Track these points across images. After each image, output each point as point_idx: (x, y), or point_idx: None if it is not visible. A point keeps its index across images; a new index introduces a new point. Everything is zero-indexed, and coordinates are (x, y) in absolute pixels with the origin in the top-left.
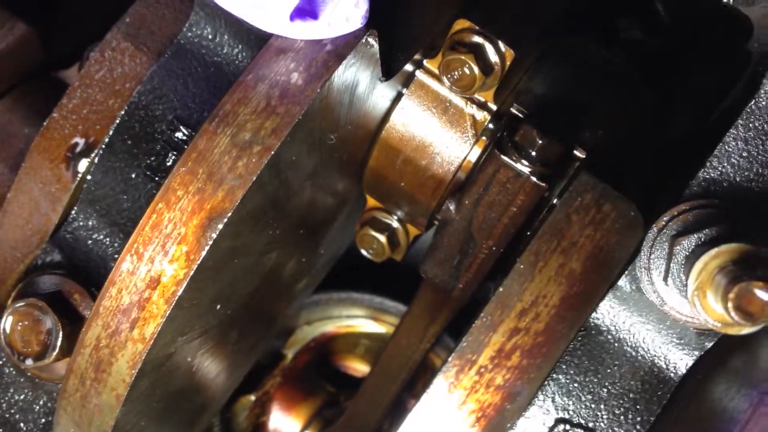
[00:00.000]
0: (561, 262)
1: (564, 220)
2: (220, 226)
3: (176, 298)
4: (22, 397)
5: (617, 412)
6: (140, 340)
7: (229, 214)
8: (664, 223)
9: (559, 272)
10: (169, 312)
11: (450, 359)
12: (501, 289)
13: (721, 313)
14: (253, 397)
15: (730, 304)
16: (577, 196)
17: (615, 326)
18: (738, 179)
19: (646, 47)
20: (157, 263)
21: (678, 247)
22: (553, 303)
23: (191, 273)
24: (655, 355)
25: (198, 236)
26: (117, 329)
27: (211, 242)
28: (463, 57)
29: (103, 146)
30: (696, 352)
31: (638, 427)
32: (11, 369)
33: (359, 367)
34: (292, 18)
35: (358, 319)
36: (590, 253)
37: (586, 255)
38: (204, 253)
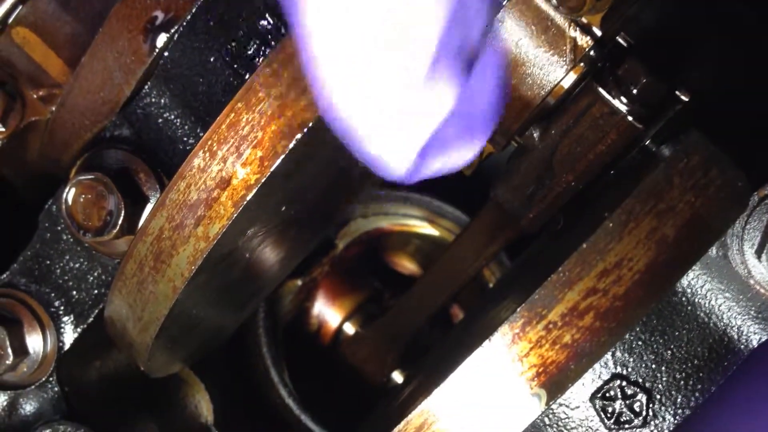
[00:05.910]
0: (654, 225)
1: (665, 180)
2: (299, 136)
3: (245, 202)
4: (77, 265)
5: (678, 376)
6: (203, 238)
7: (310, 124)
8: (767, 192)
9: (650, 236)
10: (236, 215)
11: (519, 310)
12: (584, 246)
13: None
14: (299, 282)
15: None
16: (683, 157)
17: (691, 289)
18: None
19: None
20: (229, 164)
21: None
22: (638, 268)
23: (263, 179)
24: (728, 325)
25: (274, 143)
26: (181, 223)
27: (287, 151)
28: None
29: (184, 23)
30: None
31: (697, 394)
32: (68, 236)
33: (408, 265)
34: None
35: (415, 219)
36: (687, 220)
37: (682, 222)
38: (279, 161)
